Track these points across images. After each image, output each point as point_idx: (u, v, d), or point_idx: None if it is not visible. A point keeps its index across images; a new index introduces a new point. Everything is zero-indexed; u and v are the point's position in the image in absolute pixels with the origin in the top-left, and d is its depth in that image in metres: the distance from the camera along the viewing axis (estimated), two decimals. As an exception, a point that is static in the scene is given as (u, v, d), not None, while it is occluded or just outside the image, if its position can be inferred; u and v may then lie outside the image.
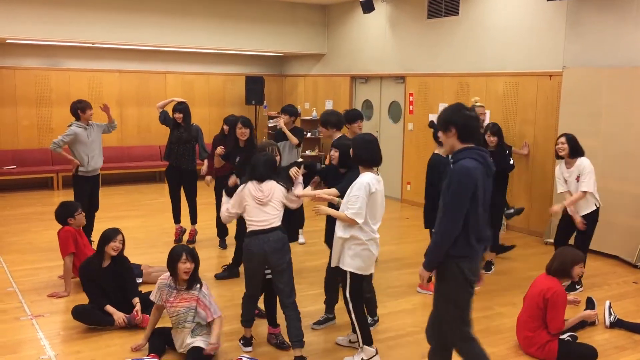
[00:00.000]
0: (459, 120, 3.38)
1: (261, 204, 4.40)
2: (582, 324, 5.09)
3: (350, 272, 4.21)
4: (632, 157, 7.01)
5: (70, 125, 6.95)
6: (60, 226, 5.83)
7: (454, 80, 9.49)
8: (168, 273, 4.43)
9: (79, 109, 6.89)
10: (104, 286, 4.97)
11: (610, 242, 7.24)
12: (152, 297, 4.55)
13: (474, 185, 3.31)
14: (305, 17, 12.17)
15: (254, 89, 12.71)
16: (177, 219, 7.67)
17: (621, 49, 7.21)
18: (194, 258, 4.40)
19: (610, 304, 5.29)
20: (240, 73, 13.20)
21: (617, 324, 5.14)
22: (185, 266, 4.32)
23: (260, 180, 4.47)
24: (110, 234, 5.02)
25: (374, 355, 4.33)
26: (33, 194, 10.71)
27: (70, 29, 10.05)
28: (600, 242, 7.23)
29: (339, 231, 4.21)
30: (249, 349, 4.58)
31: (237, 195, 4.50)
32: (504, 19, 8.66)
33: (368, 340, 4.33)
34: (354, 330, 4.36)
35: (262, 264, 4.42)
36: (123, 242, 5.08)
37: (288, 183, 4.56)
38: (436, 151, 5.65)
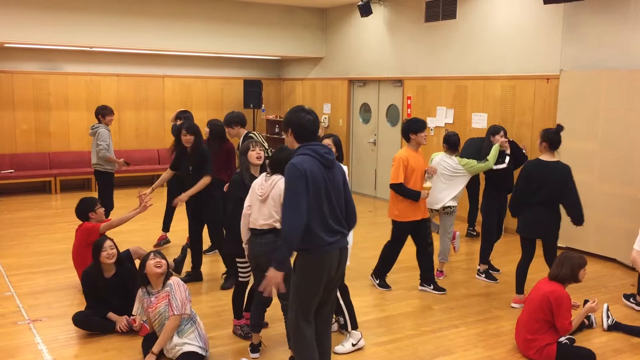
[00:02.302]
0: (294, 121, 3.65)
1: (260, 199, 4.28)
2: (580, 327, 5.09)
3: None
4: (630, 160, 7.02)
5: (98, 128, 7.70)
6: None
7: (452, 83, 9.50)
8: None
9: (100, 114, 7.78)
10: (106, 294, 4.93)
11: (608, 245, 7.24)
12: (134, 311, 4.59)
13: (305, 177, 3.48)
14: (303, 20, 12.19)
15: (252, 92, 12.73)
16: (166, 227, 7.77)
17: (618, 52, 7.23)
18: (163, 256, 4.44)
19: (608, 307, 5.30)
20: (239, 77, 13.22)
21: (615, 327, 5.15)
22: (155, 261, 4.35)
23: (271, 172, 4.32)
24: (100, 243, 4.92)
25: (360, 338, 4.71)
26: (31, 198, 10.71)
27: (68, 33, 10.06)
28: (598, 245, 7.25)
29: None
30: (256, 355, 4.52)
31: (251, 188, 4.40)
32: (502, 22, 8.68)
33: (355, 324, 4.71)
34: (342, 315, 4.66)
35: (257, 266, 4.37)
36: (116, 247, 5.02)
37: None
38: (542, 157, 5.45)
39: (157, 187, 6.36)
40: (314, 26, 12.34)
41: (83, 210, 5.86)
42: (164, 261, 4.40)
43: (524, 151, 6.70)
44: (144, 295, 4.45)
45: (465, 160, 6.37)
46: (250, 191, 4.37)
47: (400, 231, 5.90)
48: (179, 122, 7.52)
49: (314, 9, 12.20)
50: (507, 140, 6.55)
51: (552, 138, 5.38)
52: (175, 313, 4.26)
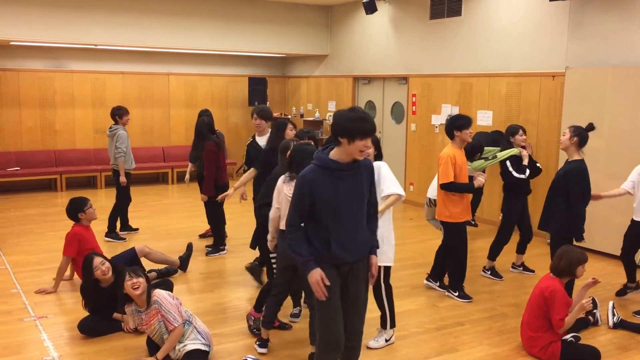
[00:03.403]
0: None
1: (288, 199, 4.22)
2: (586, 324, 5.08)
3: (386, 266, 4.58)
4: (636, 157, 6.98)
5: (117, 130, 7.74)
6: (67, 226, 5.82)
7: (457, 80, 9.49)
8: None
9: (117, 115, 7.82)
10: (108, 301, 4.89)
11: (614, 242, 7.21)
12: (130, 326, 4.60)
13: (306, 189, 3.30)
14: (307, 18, 12.18)
15: (257, 90, 12.74)
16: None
17: (624, 49, 7.20)
18: (140, 272, 4.33)
19: (613, 304, 5.28)
20: (243, 74, 13.23)
21: (621, 325, 5.13)
22: (131, 282, 4.23)
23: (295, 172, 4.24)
24: (89, 262, 4.86)
25: (392, 335, 4.81)
26: (36, 196, 10.75)
27: (74, 31, 10.10)
28: (603, 242, 7.23)
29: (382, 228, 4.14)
30: (264, 350, 4.53)
31: (276, 188, 4.38)
32: (507, 20, 8.66)
33: (394, 323, 4.74)
34: (382, 312, 4.69)
35: (287, 267, 4.37)
36: (108, 260, 4.98)
37: None
38: (576, 157, 5.29)
39: (238, 187, 6.27)
40: (319, 24, 12.33)
41: (72, 211, 5.85)
42: (140, 279, 4.27)
43: (537, 164, 6.63)
44: (134, 312, 4.38)
45: (475, 164, 6.38)
46: (276, 192, 4.37)
47: (456, 234, 5.71)
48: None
49: (318, 7, 12.19)
50: (528, 150, 6.47)
51: (584, 135, 5.26)
52: (176, 325, 4.23)
